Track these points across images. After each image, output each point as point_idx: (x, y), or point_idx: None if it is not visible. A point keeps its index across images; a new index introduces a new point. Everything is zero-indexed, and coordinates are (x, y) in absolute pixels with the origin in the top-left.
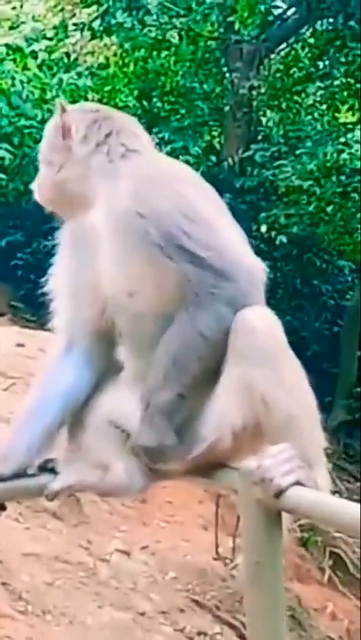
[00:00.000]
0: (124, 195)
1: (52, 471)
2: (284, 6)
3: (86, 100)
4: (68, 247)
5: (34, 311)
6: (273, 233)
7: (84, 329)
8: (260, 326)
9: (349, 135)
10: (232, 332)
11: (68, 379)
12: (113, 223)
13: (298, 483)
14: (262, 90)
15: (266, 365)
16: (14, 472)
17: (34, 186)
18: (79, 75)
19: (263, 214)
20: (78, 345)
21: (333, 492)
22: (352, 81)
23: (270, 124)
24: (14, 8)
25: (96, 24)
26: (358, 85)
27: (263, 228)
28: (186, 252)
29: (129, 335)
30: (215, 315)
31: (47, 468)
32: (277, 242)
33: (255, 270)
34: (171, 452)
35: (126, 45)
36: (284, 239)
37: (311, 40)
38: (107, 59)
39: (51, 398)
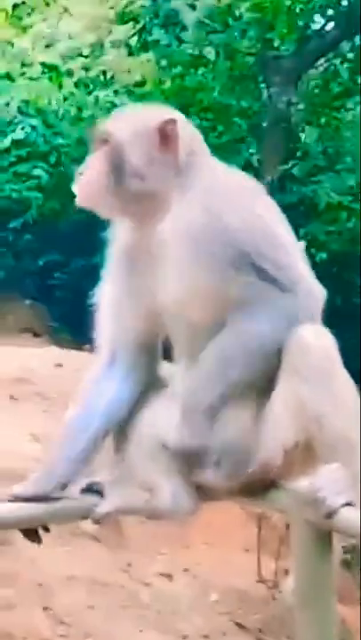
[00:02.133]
0: (199, 209)
1: (98, 493)
2: (323, 21)
3: None
4: (120, 260)
5: (71, 331)
6: (313, 250)
7: (129, 343)
8: (316, 344)
9: None
10: (287, 348)
11: (111, 393)
12: (185, 237)
13: (348, 503)
14: (300, 105)
15: (320, 384)
16: (57, 490)
17: (83, 190)
18: (116, 92)
19: (302, 231)
20: (122, 359)
21: None
22: None
23: (309, 139)
24: (50, 27)
25: (133, 41)
26: None
27: (302, 245)
28: (256, 268)
29: (182, 346)
30: (271, 326)
31: (92, 489)
32: (317, 259)
33: (316, 290)
34: (209, 457)
35: (163, 62)
36: (324, 256)
37: (350, 55)
38: (143, 76)
39: (94, 414)
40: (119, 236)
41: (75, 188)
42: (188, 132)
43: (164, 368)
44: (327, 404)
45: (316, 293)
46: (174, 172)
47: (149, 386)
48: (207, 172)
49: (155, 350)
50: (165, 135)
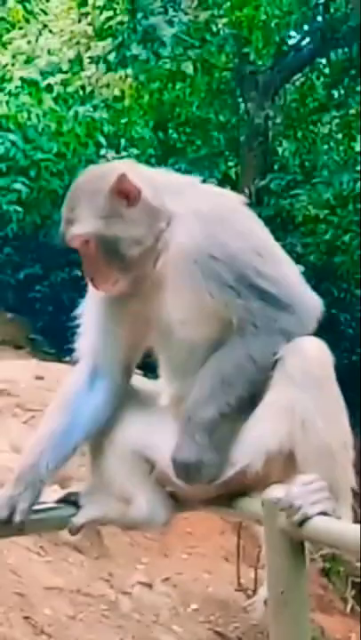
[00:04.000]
0: (196, 235)
1: (74, 504)
2: (299, 36)
3: (102, 132)
4: None
5: (52, 344)
6: None
7: (112, 358)
8: (312, 352)
9: None
10: (282, 356)
11: (94, 405)
12: (182, 264)
13: (324, 514)
14: (278, 119)
15: (311, 391)
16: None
17: (109, 292)
18: (95, 107)
19: (280, 243)
20: (104, 373)
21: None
22: None
23: (286, 153)
24: (29, 42)
25: (111, 57)
26: None
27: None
28: (255, 289)
29: (171, 363)
30: (269, 342)
31: (69, 500)
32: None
33: (314, 305)
34: (207, 471)
35: (141, 77)
36: (302, 268)
37: (326, 70)
38: (122, 91)
39: (77, 423)
40: None
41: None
42: (140, 174)
43: (140, 381)
44: (316, 411)
45: (314, 307)
46: (156, 213)
47: (125, 398)
48: (190, 198)
49: (133, 365)
50: (125, 192)
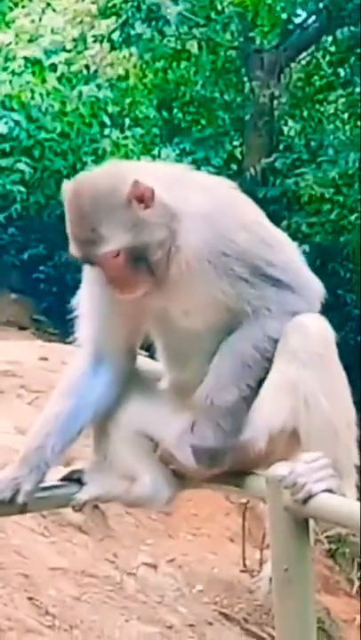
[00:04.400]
0: (204, 238)
1: (78, 482)
2: (305, 15)
3: (106, 112)
4: None
5: (56, 324)
6: (296, 242)
7: (115, 343)
8: (314, 330)
9: None
10: (285, 334)
11: (100, 389)
12: (195, 265)
13: (328, 491)
14: (283, 99)
15: (314, 368)
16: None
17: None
18: (99, 87)
19: (285, 223)
20: (108, 357)
21: None
22: None
23: (292, 132)
24: (33, 21)
25: (115, 35)
26: None
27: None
28: (267, 278)
29: (171, 350)
30: (280, 326)
31: (73, 478)
32: (300, 251)
33: (318, 287)
34: (230, 456)
35: (146, 56)
36: (307, 248)
37: (332, 48)
38: (126, 70)
39: (85, 407)
40: None
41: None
42: (141, 172)
43: (145, 362)
44: (319, 387)
45: (318, 288)
46: (168, 211)
47: (128, 379)
48: (191, 194)
49: (135, 348)
50: (140, 196)
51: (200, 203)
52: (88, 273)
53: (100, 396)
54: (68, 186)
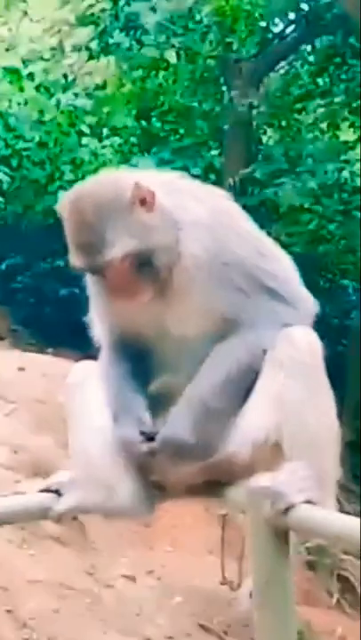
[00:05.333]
0: (205, 248)
1: (56, 493)
2: (283, 24)
3: (83, 122)
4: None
5: (34, 335)
6: None
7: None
8: (302, 341)
9: (351, 153)
10: (273, 345)
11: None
12: (195, 274)
13: (309, 502)
14: (262, 108)
15: (300, 380)
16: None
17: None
18: (77, 95)
19: (264, 233)
20: (126, 356)
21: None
22: (353, 98)
23: (271, 142)
24: (10, 30)
25: (93, 44)
26: (359, 102)
27: None
28: (264, 288)
29: (161, 357)
30: (274, 333)
31: (51, 490)
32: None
33: (310, 301)
34: (195, 455)
35: (124, 65)
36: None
37: (311, 57)
38: (104, 79)
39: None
40: None
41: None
42: (146, 180)
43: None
44: (305, 399)
45: (311, 303)
46: (170, 215)
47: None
48: (189, 203)
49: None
50: (143, 199)
51: (199, 212)
52: (93, 284)
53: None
54: (66, 197)
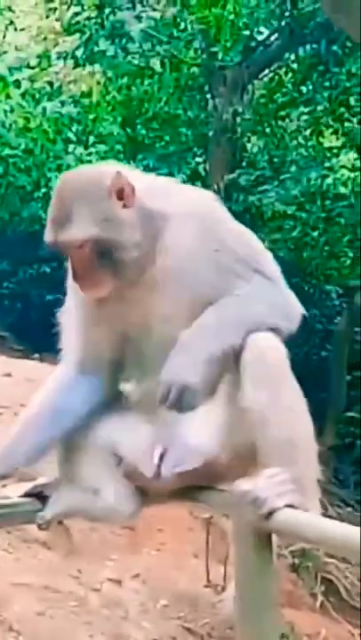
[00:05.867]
0: (193, 235)
1: (40, 497)
2: (267, 32)
3: (70, 128)
4: None
5: (21, 341)
6: None
7: (100, 354)
8: (266, 348)
9: (334, 160)
10: (243, 354)
11: (78, 400)
12: (183, 263)
13: (290, 506)
14: (246, 115)
15: (268, 387)
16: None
17: (93, 294)
18: (63, 103)
19: None
20: (92, 368)
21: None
22: (336, 105)
23: (255, 149)
24: None
25: (79, 52)
26: (342, 110)
27: None
28: (257, 272)
29: (145, 361)
30: (266, 309)
31: (35, 494)
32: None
33: (299, 308)
34: (194, 401)
35: (109, 73)
36: None
37: (294, 65)
38: (90, 87)
39: (66, 413)
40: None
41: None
42: (129, 175)
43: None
44: (273, 407)
45: (299, 309)
46: (150, 215)
47: (107, 399)
48: (178, 200)
49: (117, 365)
50: (121, 191)
51: (187, 207)
52: (72, 283)
53: (83, 402)
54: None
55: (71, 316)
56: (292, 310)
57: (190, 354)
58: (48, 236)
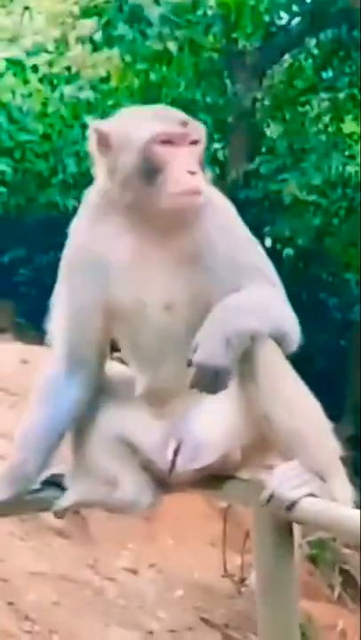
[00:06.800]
0: (217, 224)
1: (58, 486)
2: (288, 17)
3: (87, 114)
4: (85, 269)
5: (37, 327)
6: (278, 246)
7: (90, 345)
8: (261, 345)
9: (355, 147)
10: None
11: (74, 396)
12: (205, 252)
13: (311, 495)
14: (266, 101)
15: (266, 385)
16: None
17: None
18: (80, 88)
19: (268, 227)
20: (82, 364)
21: None
22: (356, 91)
23: (274, 135)
24: (14, 22)
25: (97, 37)
26: None
27: (268, 242)
28: (271, 283)
29: (141, 352)
30: (283, 309)
31: (52, 482)
32: (283, 255)
33: (297, 325)
34: (228, 383)
35: (128, 58)
36: (290, 252)
37: (315, 51)
38: (108, 71)
39: (61, 414)
40: (85, 242)
41: (190, 189)
42: None
43: (121, 368)
44: (273, 402)
45: (297, 326)
46: None
47: (102, 383)
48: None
49: (106, 354)
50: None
51: (213, 193)
52: (63, 273)
53: (76, 401)
54: None
55: (61, 306)
56: (296, 328)
57: (223, 333)
58: (168, 126)
